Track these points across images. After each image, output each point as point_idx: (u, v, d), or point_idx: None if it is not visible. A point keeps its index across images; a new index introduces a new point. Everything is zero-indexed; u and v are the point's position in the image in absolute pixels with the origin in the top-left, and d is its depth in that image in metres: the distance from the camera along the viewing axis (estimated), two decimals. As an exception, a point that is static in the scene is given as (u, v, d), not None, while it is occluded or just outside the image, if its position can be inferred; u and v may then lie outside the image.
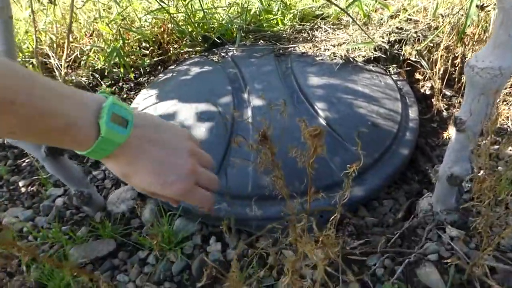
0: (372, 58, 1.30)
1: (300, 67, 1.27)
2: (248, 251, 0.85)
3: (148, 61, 1.65)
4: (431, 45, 1.29)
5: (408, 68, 1.32)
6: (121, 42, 1.49)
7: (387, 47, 1.31)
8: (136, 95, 1.49)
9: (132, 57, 1.68)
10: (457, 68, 1.27)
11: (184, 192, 0.56)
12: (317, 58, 1.32)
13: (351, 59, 1.29)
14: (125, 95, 1.51)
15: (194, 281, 0.82)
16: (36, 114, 0.40)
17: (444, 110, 1.23)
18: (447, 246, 0.82)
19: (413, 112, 1.14)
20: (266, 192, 0.82)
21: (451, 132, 1.12)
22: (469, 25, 1.23)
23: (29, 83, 0.40)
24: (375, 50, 1.31)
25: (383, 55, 1.31)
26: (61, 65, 1.30)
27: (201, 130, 1.05)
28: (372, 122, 1.04)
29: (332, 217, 0.61)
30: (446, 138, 1.13)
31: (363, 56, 1.30)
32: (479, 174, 0.65)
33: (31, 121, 0.41)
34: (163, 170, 0.53)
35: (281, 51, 1.40)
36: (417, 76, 1.32)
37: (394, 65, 1.31)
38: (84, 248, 0.89)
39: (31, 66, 1.47)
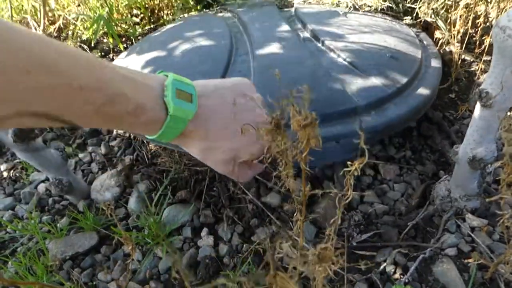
0: (379, 9, 1.17)
1: (304, 12, 1.16)
2: (243, 246, 0.77)
3: (140, 30, 1.52)
4: (449, 3, 1.15)
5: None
6: (107, 9, 1.36)
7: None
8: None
9: (123, 25, 1.56)
10: (478, 29, 1.13)
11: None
12: (323, 5, 1.20)
13: (357, 7, 1.16)
14: (114, 68, 1.40)
15: (183, 280, 0.74)
16: (106, 100, 0.40)
17: (464, 78, 1.10)
18: (467, 238, 0.73)
19: (433, 52, 1.04)
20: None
21: (472, 104, 1.00)
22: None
23: (96, 69, 0.39)
24: (383, 0, 1.17)
25: (394, 7, 1.17)
26: (41, 37, 1.18)
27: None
28: (391, 55, 0.94)
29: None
30: (465, 111, 1.01)
31: (369, 6, 1.16)
32: (509, 158, 0.54)
33: (102, 107, 0.40)
34: (245, 130, 0.51)
35: (284, 2, 1.28)
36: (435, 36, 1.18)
37: (408, 17, 1.18)
38: (64, 242, 0.81)
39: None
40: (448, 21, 1.12)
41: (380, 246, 0.74)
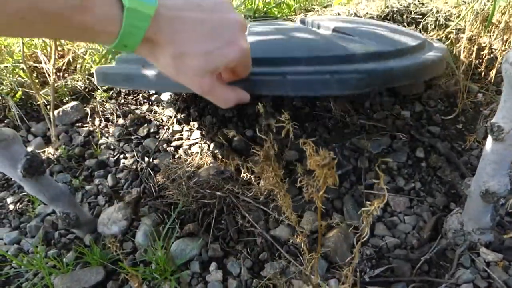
0: (382, 17, 1.19)
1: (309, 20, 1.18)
2: (253, 281, 0.75)
3: (147, 62, 1.55)
4: (453, 36, 1.17)
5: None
6: (116, 43, 1.39)
7: (403, 9, 1.20)
8: (134, 100, 1.40)
9: (130, 58, 1.59)
10: (483, 60, 1.14)
11: (247, 49, 0.52)
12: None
13: (360, 16, 1.19)
14: (122, 100, 1.41)
15: (192, 317, 0.72)
16: None
17: (470, 109, 1.10)
18: (482, 273, 0.71)
19: (439, 46, 1.01)
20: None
21: (480, 135, 1.00)
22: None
23: None
24: (387, 8, 1.20)
25: (398, 17, 1.19)
26: (51, 70, 1.21)
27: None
28: (391, 31, 0.93)
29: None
30: (474, 142, 1.00)
31: (371, 14, 1.19)
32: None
33: (39, 2, 0.35)
34: (215, 31, 0.48)
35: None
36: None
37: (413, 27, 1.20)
38: (70, 278, 0.79)
39: (21, 71, 1.38)
40: (454, 52, 1.14)
41: (393, 281, 0.73)
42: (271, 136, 0.55)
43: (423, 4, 1.24)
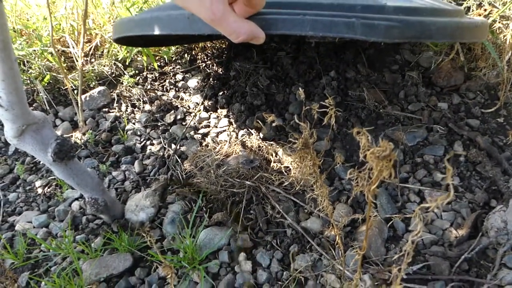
0: None
1: None
2: (283, 273, 0.73)
3: (174, 49, 1.53)
4: (496, 24, 1.10)
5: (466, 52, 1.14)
6: (143, 28, 1.37)
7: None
8: (161, 86, 1.38)
9: (156, 44, 1.57)
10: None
11: None
12: None
13: None
14: (149, 86, 1.40)
15: (221, 307, 0.71)
16: None
17: (513, 102, 1.05)
18: (528, 274, 0.67)
19: None
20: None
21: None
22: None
23: None
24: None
25: None
26: (80, 54, 1.20)
27: None
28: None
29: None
30: (516, 136, 0.95)
31: None
32: None
33: None
34: None
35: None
36: (481, 63, 1.13)
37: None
38: (99, 263, 0.79)
39: (49, 55, 1.38)
40: (497, 44, 1.08)
41: (431, 279, 0.69)
42: (308, 123, 0.52)
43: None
